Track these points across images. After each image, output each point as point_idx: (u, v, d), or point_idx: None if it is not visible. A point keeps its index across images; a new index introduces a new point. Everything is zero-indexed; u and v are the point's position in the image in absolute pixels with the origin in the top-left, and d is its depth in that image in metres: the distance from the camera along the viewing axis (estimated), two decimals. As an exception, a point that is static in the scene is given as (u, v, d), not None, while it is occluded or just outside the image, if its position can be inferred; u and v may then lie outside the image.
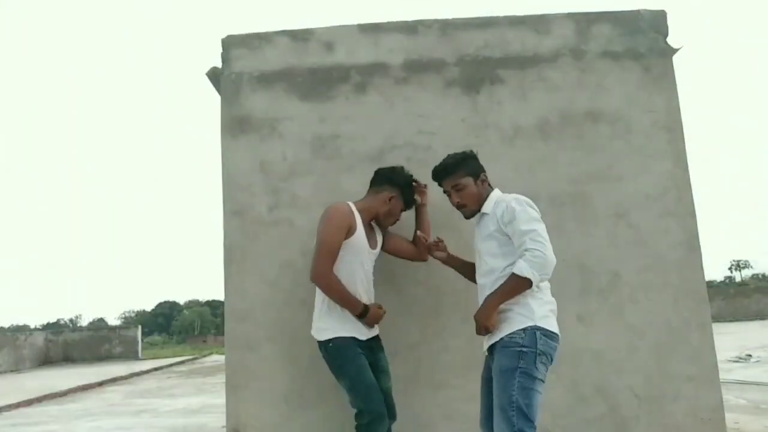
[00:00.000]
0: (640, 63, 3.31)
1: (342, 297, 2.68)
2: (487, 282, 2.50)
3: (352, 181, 3.15)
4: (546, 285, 2.50)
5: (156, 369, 16.69)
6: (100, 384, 12.64)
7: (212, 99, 3.49)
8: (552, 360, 2.43)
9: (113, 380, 13.41)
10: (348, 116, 3.29)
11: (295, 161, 3.26)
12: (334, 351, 2.68)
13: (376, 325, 2.81)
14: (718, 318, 21.48)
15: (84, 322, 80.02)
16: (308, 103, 3.30)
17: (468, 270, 2.76)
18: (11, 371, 18.10)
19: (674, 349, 3.09)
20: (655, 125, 3.25)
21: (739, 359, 9.93)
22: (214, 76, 3.39)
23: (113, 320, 79.57)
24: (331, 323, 2.70)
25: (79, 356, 21.05)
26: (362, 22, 3.40)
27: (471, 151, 2.69)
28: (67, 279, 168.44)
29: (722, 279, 72.58)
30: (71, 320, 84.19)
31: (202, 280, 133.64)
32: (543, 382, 2.38)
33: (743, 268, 73.91)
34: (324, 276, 2.65)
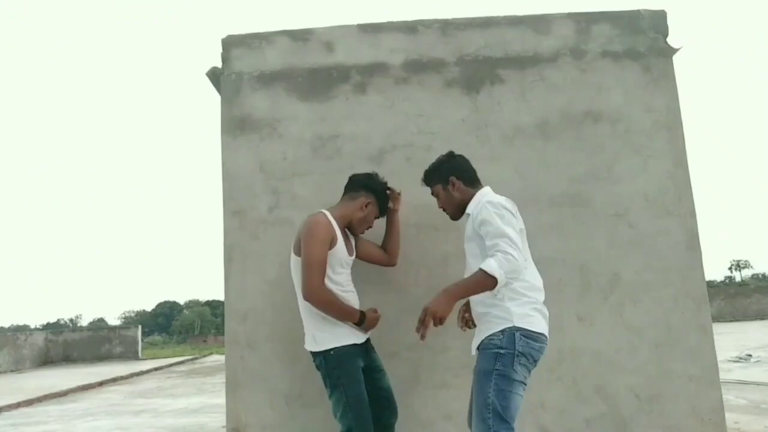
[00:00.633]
0: (640, 63, 3.31)
1: (339, 310, 2.66)
2: None
3: (352, 181, 3.14)
4: (529, 285, 2.46)
5: (156, 369, 16.69)
6: (100, 384, 12.64)
7: (212, 99, 3.50)
8: (535, 361, 2.42)
9: (113, 380, 13.41)
10: (348, 116, 3.28)
11: (295, 161, 3.26)
12: (335, 361, 2.62)
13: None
14: (718, 318, 21.51)
15: (84, 322, 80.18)
16: (308, 103, 3.30)
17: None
18: (11, 371, 18.10)
19: (674, 349, 3.09)
20: (655, 125, 3.25)
21: (739, 359, 9.93)
22: (214, 76, 3.39)
23: (113, 320, 79.74)
24: (329, 331, 2.65)
25: (79, 356, 21.04)
26: (362, 22, 3.41)
27: (448, 154, 2.72)
28: (67, 279, 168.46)
29: (722, 279, 72.58)
30: (71, 320, 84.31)
31: (202, 280, 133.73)
32: (523, 383, 2.38)
33: (743, 268, 73.93)
34: (318, 292, 2.60)
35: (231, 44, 3.37)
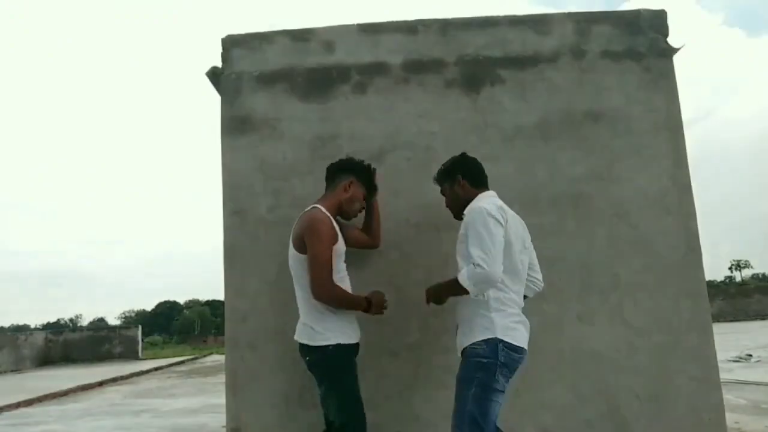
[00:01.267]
0: (640, 63, 3.31)
1: (349, 301, 2.68)
2: None
3: (352, 181, 3.14)
4: (512, 299, 2.53)
5: (156, 369, 16.70)
6: (101, 384, 12.65)
7: (212, 99, 3.49)
8: (513, 370, 2.50)
9: (113, 380, 13.42)
10: (348, 116, 3.28)
11: (295, 161, 3.25)
12: (334, 358, 2.61)
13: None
14: (718, 318, 21.49)
15: (84, 322, 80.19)
16: (308, 103, 3.30)
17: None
18: (11, 371, 18.10)
19: (674, 349, 3.08)
20: (655, 125, 3.25)
21: (739, 359, 9.93)
22: (214, 76, 3.39)
23: (113, 320, 79.69)
24: (331, 327, 2.64)
25: (80, 356, 21.04)
26: (362, 22, 3.40)
27: (461, 156, 2.78)
28: (67, 278, 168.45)
29: (722, 279, 72.55)
30: (71, 320, 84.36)
31: (202, 280, 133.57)
32: (502, 392, 2.45)
33: (743, 268, 73.86)
34: (328, 291, 2.61)
35: (231, 44, 3.37)
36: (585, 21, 3.36)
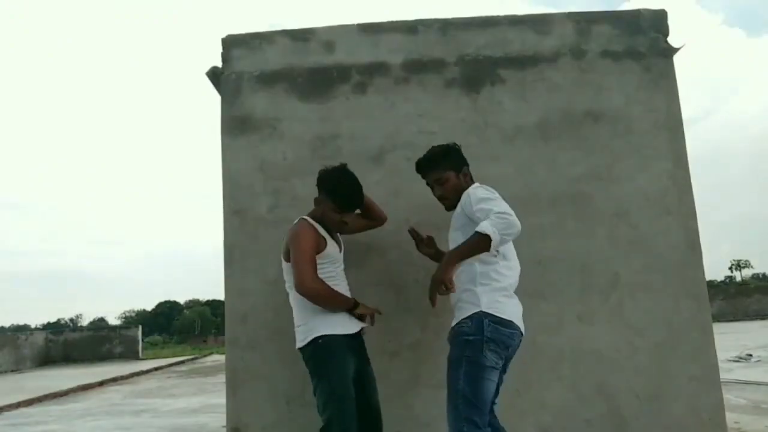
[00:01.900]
0: (640, 63, 3.31)
1: (333, 298, 2.63)
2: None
3: (352, 181, 3.14)
4: (502, 274, 2.47)
5: (156, 369, 16.68)
6: (101, 384, 12.63)
7: (212, 99, 3.49)
8: (507, 347, 2.43)
9: (114, 380, 13.40)
10: (348, 116, 3.28)
11: (295, 161, 3.26)
12: (323, 349, 2.57)
13: (360, 321, 2.72)
14: (718, 318, 21.46)
15: (84, 322, 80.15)
16: (308, 103, 3.30)
17: None
18: (12, 371, 18.09)
19: (674, 349, 3.08)
20: (655, 125, 3.25)
21: (739, 359, 9.92)
22: (214, 76, 3.39)
23: (114, 320, 79.63)
24: (320, 320, 2.61)
25: (80, 356, 21.01)
26: (362, 22, 3.41)
27: (454, 144, 2.73)
28: (67, 278, 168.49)
29: (722, 279, 72.48)
30: (72, 320, 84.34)
31: (202, 280, 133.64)
32: (495, 369, 2.40)
33: (743, 268, 73.78)
34: (310, 284, 2.56)
35: (231, 44, 3.37)
36: (585, 21, 3.36)
